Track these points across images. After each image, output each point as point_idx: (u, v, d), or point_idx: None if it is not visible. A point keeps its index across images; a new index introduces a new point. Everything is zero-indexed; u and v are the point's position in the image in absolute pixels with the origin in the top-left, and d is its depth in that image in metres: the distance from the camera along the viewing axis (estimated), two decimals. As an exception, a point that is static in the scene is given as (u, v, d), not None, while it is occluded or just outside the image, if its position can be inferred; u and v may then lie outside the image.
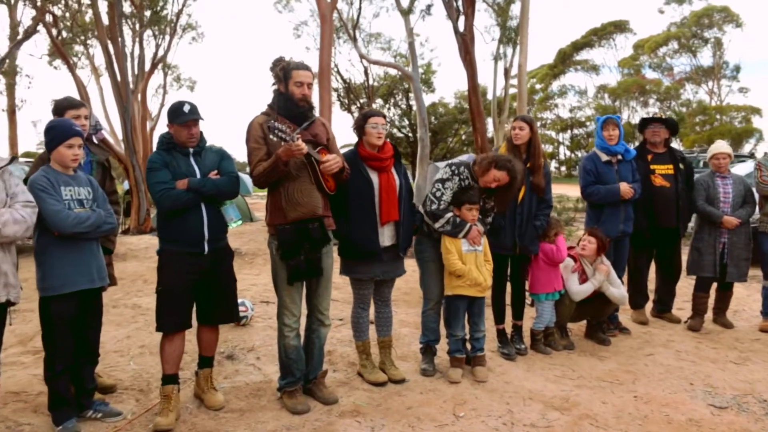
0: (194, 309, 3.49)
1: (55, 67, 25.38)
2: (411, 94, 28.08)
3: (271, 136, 3.09)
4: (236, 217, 3.46)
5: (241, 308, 5.21)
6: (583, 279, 4.66)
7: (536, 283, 4.62)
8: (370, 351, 4.05)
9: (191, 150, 3.41)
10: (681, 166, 5.41)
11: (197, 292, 3.43)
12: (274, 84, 3.50)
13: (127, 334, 5.02)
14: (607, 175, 5.02)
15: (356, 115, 29.82)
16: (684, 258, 5.57)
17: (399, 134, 30.06)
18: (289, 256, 3.34)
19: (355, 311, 4.00)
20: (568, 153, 49.30)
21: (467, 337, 4.17)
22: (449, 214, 3.93)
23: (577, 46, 46.15)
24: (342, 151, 3.82)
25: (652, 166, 5.34)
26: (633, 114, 40.77)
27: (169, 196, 3.24)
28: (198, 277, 3.38)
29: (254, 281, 7.15)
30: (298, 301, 3.49)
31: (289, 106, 3.39)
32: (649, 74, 42.73)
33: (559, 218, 4.71)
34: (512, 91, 22.10)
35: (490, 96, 21.88)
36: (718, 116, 35.88)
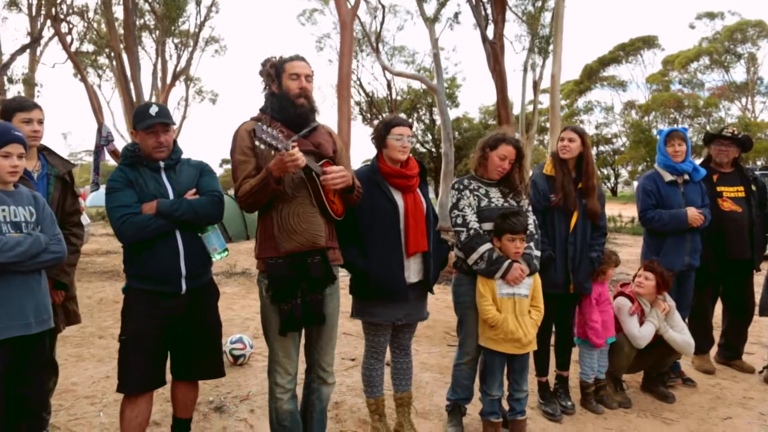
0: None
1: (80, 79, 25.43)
2: (435, 108, 27.48)
3: (257, 144, 2.39)
4: (221, 247, 2.76)
5: (238, 345, 4.54)
6: (644, 322, 3.86)
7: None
8: (384, 410, 3.31)
9: (162, 164, 2.74)
10: (753, 187, 4.61)
11: (172, 341, 2.77)
12: (265, 88, 2.82)
13: (107, 373, 4.35)
14: (671, 198, 4.24)
15: (378, 129, 29.21)
16: (756, 295, 4.73)
17: (422, 149, 29.45)
18: (281, 299, 2.63)
19: (368, 362, 3.27)
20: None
21: (505, 395, 3.41)
22: (485, 246, 3.18)
23: (604, 61, 45.23)
24: (360, 166, 3.14)
25: (718, 188, 4.56)
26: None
27: (132, 224, 2.57)
28: (173, 323, 2.72)
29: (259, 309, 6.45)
30: (293, 356, 2.77)
31: (285, 105, 2.70)
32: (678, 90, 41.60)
33: (614, 251, 3.89)
34: (540, 106, 21.30)
35: (516, 110, 21.12)
36: (759, 134, 34.59)
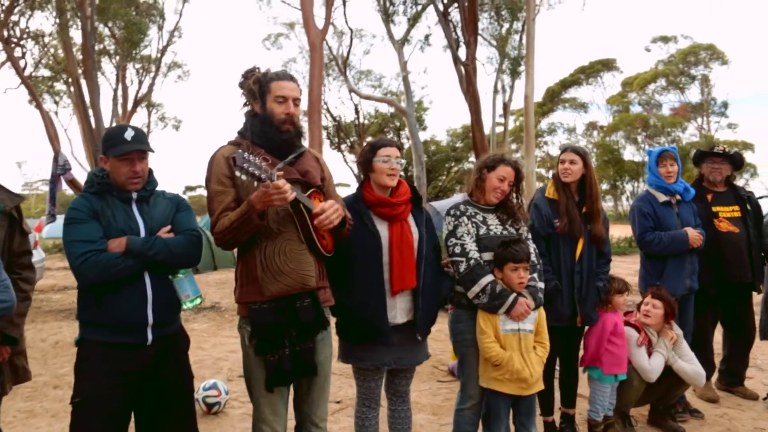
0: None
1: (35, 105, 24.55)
2: (402, 132, 27.43)
3: (237, 174, 2.07)
4: (194, 294, 2.40)
5: (212, 392, 4.12)
6: (651, 353, 3.63)
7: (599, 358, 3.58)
8: (381, 466, 2.96)
9: (134, 195, 2.39)
10: (748, 206, 4.48)
11: (136, 401, 2.39)
12: (246, 104, 2.52)
13: (62, 428, 3.88)
14: (667, 219, 4.07)
15: (346, 154, 29.21)
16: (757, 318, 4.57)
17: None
18: (267, 350, 2.29)
19: (360, 411, 2.93)
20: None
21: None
22: (487, 278, 2.91)
23: (566, 84, 46.24)
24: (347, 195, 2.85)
25: (714, 208, 4.41)
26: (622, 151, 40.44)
27: (96, 263, 2.21)
28: (136, 380, 2.34)
29: (233, 347, 6.02)
30: (282, 412, 2.42)
31: (268, 131, 2.39)
32: (638, 111, 42.76)
33: (617, 277, 3.66)
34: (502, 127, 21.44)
35: (485, 132, 21.18)
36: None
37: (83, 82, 10.84)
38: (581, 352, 3.69)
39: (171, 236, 2.36)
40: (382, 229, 2.78)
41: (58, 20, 10.34)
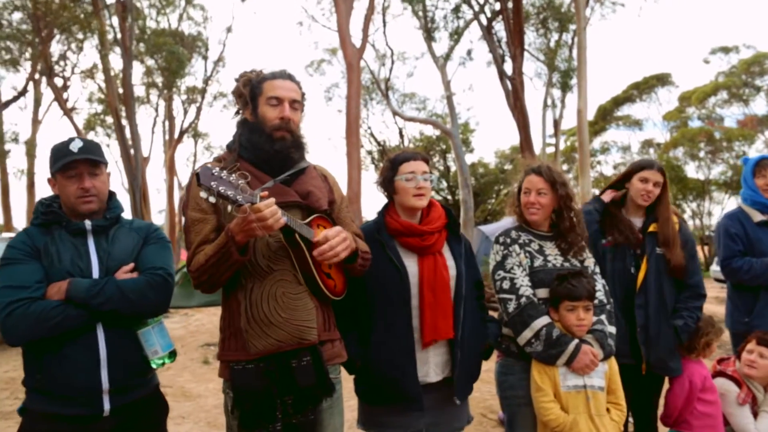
0: None
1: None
2: (448, 155, 26.90)
3: (203, 195, 1.56)
4: (164, 349, 1.89)
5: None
6: (757, 413, 2.90)
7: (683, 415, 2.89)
8: None
9: (89, 225, 1.92)
10: None
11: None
12: (237, 112, 2.04)
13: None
14: (762, 243, 3.36)
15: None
16: None
17: (437, 197, 28.77)
18: (253, 425, 1.75)
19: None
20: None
21: None
22: (542, 321, 2.32)
23: (618, 101, 44.78)
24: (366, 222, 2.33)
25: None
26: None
27: (24, 316, 1.74)
28: None
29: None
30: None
31: (258, 140, 1.90)
32: (698, 125, 40.98)
33: (710, 316, 2.97)
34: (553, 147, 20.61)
35: (535, 152, 20.42)
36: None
37: (122, 111, 10.91)
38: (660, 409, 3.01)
39: (128, 278, 1.87)
40: (410, 263, 2.24)
41: (100, 49, 10.47)
